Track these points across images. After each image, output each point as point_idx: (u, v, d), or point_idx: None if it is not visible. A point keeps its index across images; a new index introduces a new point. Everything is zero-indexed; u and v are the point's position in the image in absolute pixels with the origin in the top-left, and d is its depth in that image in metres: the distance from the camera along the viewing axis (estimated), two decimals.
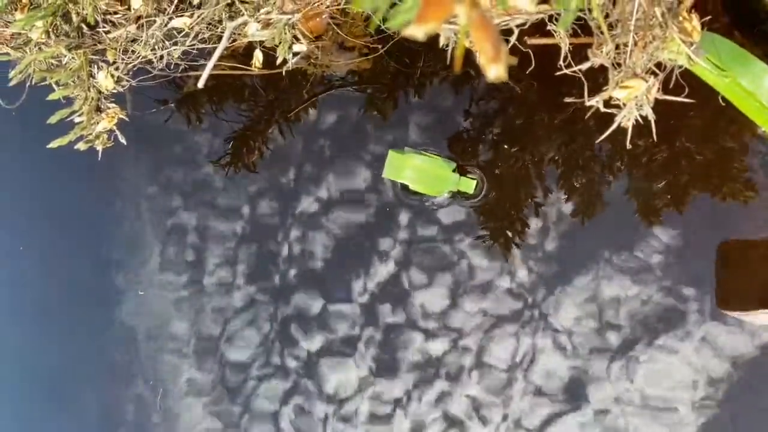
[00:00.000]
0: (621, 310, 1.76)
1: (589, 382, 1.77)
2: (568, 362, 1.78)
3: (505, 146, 1.88)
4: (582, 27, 1.41)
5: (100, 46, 1.57)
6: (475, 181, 1.83)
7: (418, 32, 0.51)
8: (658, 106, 1.36)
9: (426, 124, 1.95)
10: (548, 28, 1.45)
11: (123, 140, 1.69)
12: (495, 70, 0.53)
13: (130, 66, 1.64)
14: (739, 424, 1.71)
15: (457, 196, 1.86)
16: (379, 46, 1.82)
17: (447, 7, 0.50)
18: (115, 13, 1.57)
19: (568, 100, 1.29)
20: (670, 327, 1.74)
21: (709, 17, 1.37)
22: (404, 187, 1.90)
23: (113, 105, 1.66)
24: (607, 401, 1.76)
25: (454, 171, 1.83)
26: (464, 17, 0.50)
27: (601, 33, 1.05)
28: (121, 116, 1.67)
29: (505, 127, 1.90)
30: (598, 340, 1.78)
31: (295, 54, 1.78)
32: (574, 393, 1.79)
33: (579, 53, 1.40)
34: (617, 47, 1.21)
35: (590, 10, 0.94)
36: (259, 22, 1.46)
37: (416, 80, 1.98)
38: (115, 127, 1.68)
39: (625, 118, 1.34)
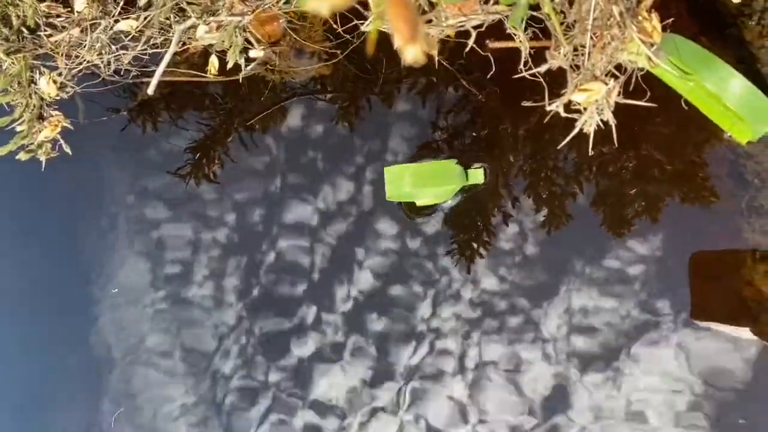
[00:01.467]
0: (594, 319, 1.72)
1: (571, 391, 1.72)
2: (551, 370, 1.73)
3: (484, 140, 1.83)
4: (543, 31, 1.37)
5: (41, 51, 1.49)
6: (482, 170, 1.74)
7: (321, 7, 0.45)
8: (624, 111, 1.32)
9: (397, 131, 1.89)
10: (509, 31, 1.40)
11: (68, 150, 1.61)
12: (411, 52, 0.47)
13: (74, 71, 1.56)
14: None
15: (463, 191, 1.79)
16: (338, 52, 1.77)
17: None
18: (58, 16, 1.50)
19: (526, 104, 1.24)
20: (644, 335, 1.69)
21: (672, 20, 1.33)
22: (410, 207, 1.80)
23: (57, 113, 1.58)
24: (587, 410, 1.70)
25: (457, 164, 1.74)
26: None
27: (556, 32, 1.00)
28: (65, 125, 1.59)
29: (480, 129, 1.85)
30: (575, 348, 1.72)
31: (251, 60, 1.72)
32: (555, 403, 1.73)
33: (542, 57, 1.36)
34: (576, 49, 1.16)
35: (539, 7, 0.88)
36: (208, 24, 1.39)
37: (379, 86, 1.92)
38: (59, 136, 1.61)
39: (587, 123, 1.29)
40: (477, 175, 1.73)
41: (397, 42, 0.48)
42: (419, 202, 1.77)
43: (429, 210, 1.81)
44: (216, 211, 1.98)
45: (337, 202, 1.90)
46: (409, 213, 1.82)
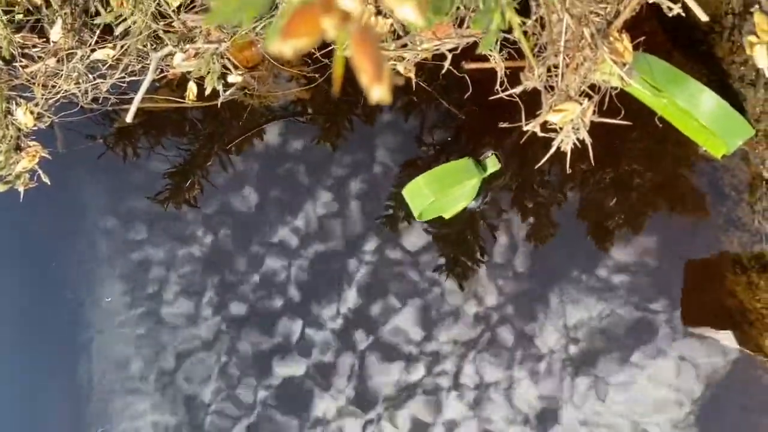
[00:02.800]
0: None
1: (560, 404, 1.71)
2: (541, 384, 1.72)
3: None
4: (519, 51, 1.38)
5: (17, 82, 1.48)
6: (494, 156, 1.69)
7: (286, 48, 0.45)
8: (602, 129, 1.34)
9: (382, 149, 1.89)
10: (484, 53, 1.42)
11: (46, 180, 1.60)
12: (377, 92, 0.47)
13: (52, 101, 1.56)
14: None
15: (485, 189, 1.74)
16: (317, 75, 1.78)
17: (315, 21, 0.44)
18: (34, 46, 1.49)
19: (503, 125, 1.25)
20: (640, 344, 1.69)
21: (643, 38, 1.35)
22: (441, 221, 1.75)
23: (35, 143, 1.57)
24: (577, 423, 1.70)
25: (469, 158, 1.67)
26: (336, 33, 0.45)
27: (528, 55, 1.01)
28: (43, 155, 1.58)
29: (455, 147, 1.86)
30: (568, 357, 1.72)
31: (230, 85, 1.72)
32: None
33: (519, 77, 1.37)
34: (549, 70, 1.17)
35: (511, 29, 0.90)
36: (185, 52, 1.39)
37: (360, 108, 1.93)
38: (37, 167, 1.60)
39: (563, 142, 1.30)
40: (492, 163, 1.67)
41: (363, 81, 0.48)
42: (447, 215, 1.71)
43: (460, 216, 1.75)
44: (197, 233, 1.97)
45: (321, 220, 1.90)
46: (441, 229, 1.77)
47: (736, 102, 1.43)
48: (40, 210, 1.91)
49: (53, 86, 1.50)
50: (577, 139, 1.28)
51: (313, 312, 1.86)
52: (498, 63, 1.37)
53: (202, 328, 1.93)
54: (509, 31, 1.20)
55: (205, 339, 1.93)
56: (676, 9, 1.14)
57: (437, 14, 0.82)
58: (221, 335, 1.92)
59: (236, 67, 1.59)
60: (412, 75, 1.49)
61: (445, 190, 1.62)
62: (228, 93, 1.73)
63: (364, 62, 0.47)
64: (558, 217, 1.77)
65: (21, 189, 1.58)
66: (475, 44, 1.42)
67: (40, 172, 1.60)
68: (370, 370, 1.81)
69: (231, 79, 1.71)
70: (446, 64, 1.32)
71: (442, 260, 1.81)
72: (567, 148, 1.31)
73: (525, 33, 1.15)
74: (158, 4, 1.37)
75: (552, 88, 1.20)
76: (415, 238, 1.82)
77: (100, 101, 1.73)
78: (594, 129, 1.35)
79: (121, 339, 2.00)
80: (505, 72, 1.38)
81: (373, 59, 0.47)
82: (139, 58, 1.64)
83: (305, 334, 1.85)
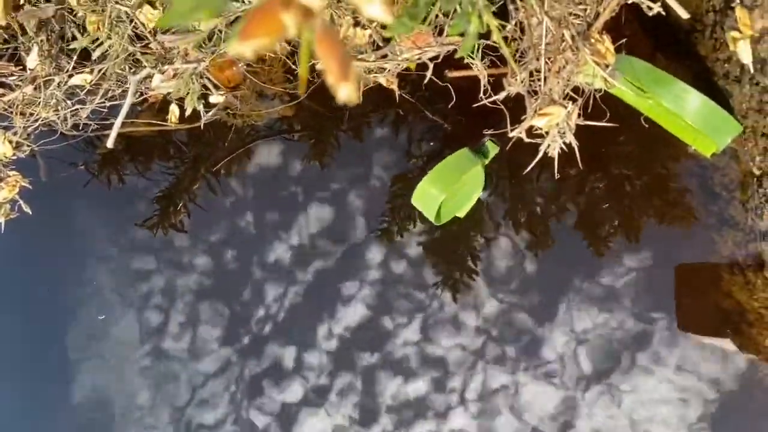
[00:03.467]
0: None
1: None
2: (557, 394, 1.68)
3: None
4: (501, 58, 1.37)
5: None
6: (491, 141, 1.64)
7: (245, 50, 0.43)
8: (589, 134, 1.32)
9: (371, 161, 1.86)
10: (466, 61, 1.40)
11: (28, 210, 1.57)
12: (344, 90, 0.45)
13: (31, 129, 1.53)
14: None
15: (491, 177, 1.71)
16: (300, 92, 1.76)
17: (276, 19, 0.42)
18: (10, 74, 1.47)
19: (487, 132, 1.23)
20: (642, 350, 1.66)
21: (625, 40, 1.34)
22: (458, 221, 1.72)
23: (14, 173, 1.54)
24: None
25: (469, 149, 1.62)
26: (297, 31, 0.42)
27: (508, 59, 0.99)
28: (24, 184, 1.55)
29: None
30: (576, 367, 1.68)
31: (212, 105, 1.70)
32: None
33: (502, 84, 1.35)
34: (531, 74, 1.15)
35: (490, 33, 0.88)
36: (163, 73, 1.37)
37: (345, 122, 1.91)
38: (18, 196, 1.57)
39: (550, 147, 1.29)
40: (492, 147, 1.64)
41: (329, 80, 0.46)
42: (462, 212, 1.68)
43: (476, 208, 1.72)
44: (189, 258, 1.94)
45: (313, 237, 1.88)
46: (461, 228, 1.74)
47: (722, 99, 1.42)
48: (23, 240, 1.87)
49: (31, 114, 1.48)
50: (564, 143, 1.27)
51: (313, 332, 1.82)
52: (481, 70, 1.35)
53: (203, 357, 1.89)
54: (489, 36, 1.19)
55: (206, 367, 1.89)
56: (656, 8, 1.13)
57: (413, 20, 0.80)
58: (226, 361, 1.88)
59: (217, 87, 1.57)
60: (395, 87, 1.48)
61: (452, 185, 1.56)
62: (210, 114, 1.70)
63: (329, 60, 0.45)
64: (551, 227, 1.75)
65: (1, 220, 1.55)
66: (456, 53, 1.41)
67: (21, 202, 1.57)
68: (377, 386, 1.78)
69: (213, 99, 1.69)
70: (428, 74, 1.30)
71: (446, 269, 1.79)
72: (554, 152, 1.29)
73: (505, 38, 1.14)
74: (134, 26, 1.35)
75: (535, 92, 1.19)
76: (413, 249, 1.80)
77: (80, 128, 1.71)
78: (582, 133, 1.33)
79: (123, 373, 1.96)
80: (489, 79, 1.37)
81: (337, 57, 0.45)
82: (119, 83, 1.62)
83: (304, 356, 1.82)
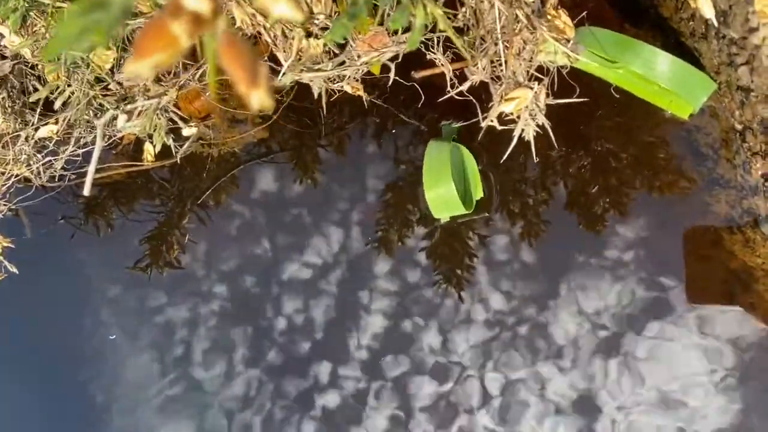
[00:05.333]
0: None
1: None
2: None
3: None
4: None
5: None
6: (452, 124, 1.63)
7: (141, 69, 0.40)
8: (564, 113, 1.29)
9: (357, 171, 1.84)
10: (429, 57, 1.38)
11: (14, 269, 1.56)
12: (256, 97, 0.42)
13: (5, 188, 1.52)
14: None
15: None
16: (271, 113, 1.74)
17: (167, 33, 0.40)
18: None
19: (456, 124, 1.21)
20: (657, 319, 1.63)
21: (586, 12, 1.32)
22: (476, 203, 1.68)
23: None
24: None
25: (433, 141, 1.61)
26: (190, 41, 0.40)
27: (465, 50, 0.97)
28: (6, 244, 1.54)
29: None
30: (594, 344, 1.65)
31: (185, 138, 1.69)
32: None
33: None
34: (492, 61, 1.13)
35: (436, 24, 0.86)
36: (126, 113, 1.36)
37: (323, 136, 1.89)
38: (2, 257, 1.55)
39: (524, 131, 1.26)
40: (450, 128, 1.63)
41: (239, 89, 0.43)
42: (479, 189, 1.64)
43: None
44: (179, 298, 1.92)
45: (315, 254, 1.85)
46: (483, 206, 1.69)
47: (693, 59, 1.39)
48: (17, 298, 1.86)
49: (2, 173, 1.46)
50: (538, 125, 1.24)
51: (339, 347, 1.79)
52: (445, 65, 1.33)
53: (232, 382, 1.87)
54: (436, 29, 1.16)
55: (236, 392, 1.86)
56: None
57: (353, 20, 0.78)
58: (254, 385, 1.85)
59: (188, 120, 1.56)
60: (362, 93, 1.46)
61: (448, 171, 1.51)
62: (186, 147, 1.69)
63: (235, 68, 0.43)
64: (542, 212, 1.73)
65: None
66: (420, 52, 1.39)
67: (6, 262, 1.56)
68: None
69: (185, 132, 1.68)
70: (391, 75, 1.28)
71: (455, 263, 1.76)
72: (530, 136, 1.27)
73: (459, 29, 1.12)
74: (91, 69, 1.33)
75: (499, 78, 1.16)
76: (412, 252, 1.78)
77: (57, 179, 1.70)
78: (558, 113, 1.31)
79: (149, 411, 1.93)
80: (455, 72, 1.35)
81: (244, 63, 0.43)
82: (89, 129, 1.61)
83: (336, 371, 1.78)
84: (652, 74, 1.30)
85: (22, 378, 1.99)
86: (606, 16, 1.66)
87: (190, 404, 1.88)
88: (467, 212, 1.59)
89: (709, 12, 1.17)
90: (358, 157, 1.86)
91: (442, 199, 1.50)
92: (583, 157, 1.72)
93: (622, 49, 1.31)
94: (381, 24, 1.16)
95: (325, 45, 1.15)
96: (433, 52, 1.32)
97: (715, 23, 1.19)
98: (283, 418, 1.79)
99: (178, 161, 1.74)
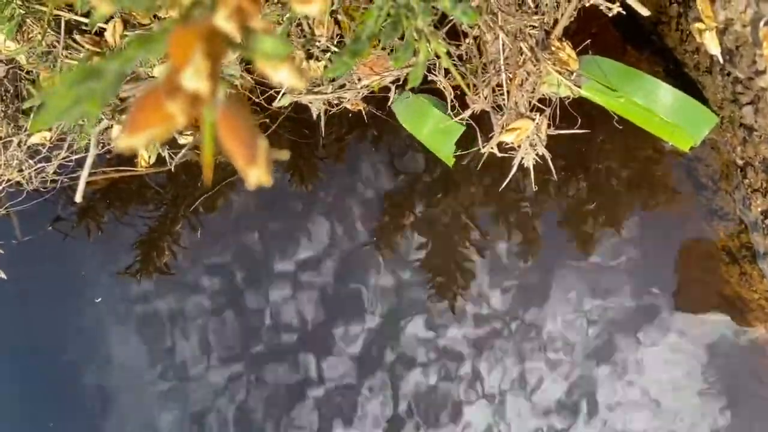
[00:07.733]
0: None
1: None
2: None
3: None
4: (467, 70, 1.33)
5: None
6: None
7: (135, 143, 0.39)
8: (565, 140, 1.28)
9: (354, 182, 1.83)
10: (431, 78, 1.36)
11: (3, 275, 1.54)
12: (254, 175, 0.41)
13: None
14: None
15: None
16: (268, 121, 1.72)
17: (162, 110, 0.38)
18: None
19: (458, 153, 1.19)
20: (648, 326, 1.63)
21: (590, 40, 1.30)
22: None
23: None
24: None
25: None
26: (188, 118, 0.39)
27: (466, 81, 0.95)
28: None
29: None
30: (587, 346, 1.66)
31: (181, 146, 1.67)
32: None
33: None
34: (494, 90, 1.12)
35: (438, 57, 0.84)
36: (120, 123, 1.34)
37: (320, 147, 1.87)
38: None
39: (524, 160, 1.25)
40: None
41: (237, 165, 0.42)
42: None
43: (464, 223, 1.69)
44: (175, 304, 1.90)
45: (311, 261, 1.84)
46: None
47: (696, 91, 1.38)
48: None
49: None
50: (537, 154, 1.23)
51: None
52: (446, 87, 1.31)
53: (220, 374, 1.85)
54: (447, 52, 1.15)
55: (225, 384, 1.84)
56: (615, 8, 1.09)
57: (354, 57, 0.76)
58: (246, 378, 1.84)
59: (182, 129, 1.54)
60: (361, 107, 1.44)
61: (430, 107, 1.35)
62: (180, 155, 1.67)
63: (233, 144, 0.41)
64: (540, 233, 1.72)
65: None
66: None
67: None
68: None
69: (181, 140, 1.66)
70: (391, 95, 1.27)
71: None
72: (529, 164, 1.25)
73: (460, 57, 1.10)
74: None
75: (500, 107, 1.15)
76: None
77: (49, 183, 1.67)
78: (557, 141, 1.29)
79: (142, 400, 1.91)
80: (455, 93, 1.33)
81: (243, 140, 0.41)
82: (83, 135, 1.58)
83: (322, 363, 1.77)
84: (654, 105, 1.29)
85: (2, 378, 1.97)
86: (609, 41, 1.64)
87: (180, 396, 1.87)
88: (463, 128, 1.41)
89: (714, 49, 1.16)
90: (355, 167, 1.84)
91: (438, 128, 1.33)
92: (581, 184, 1.71)
93: (626, 79, 1.29)
94: (384, 48, 1.14)
95: (325, 67, 1.14)
96: (434, 74, 1.30)
97: (721, 60, 1.17)
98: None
99: (173, 169, 1.72)
